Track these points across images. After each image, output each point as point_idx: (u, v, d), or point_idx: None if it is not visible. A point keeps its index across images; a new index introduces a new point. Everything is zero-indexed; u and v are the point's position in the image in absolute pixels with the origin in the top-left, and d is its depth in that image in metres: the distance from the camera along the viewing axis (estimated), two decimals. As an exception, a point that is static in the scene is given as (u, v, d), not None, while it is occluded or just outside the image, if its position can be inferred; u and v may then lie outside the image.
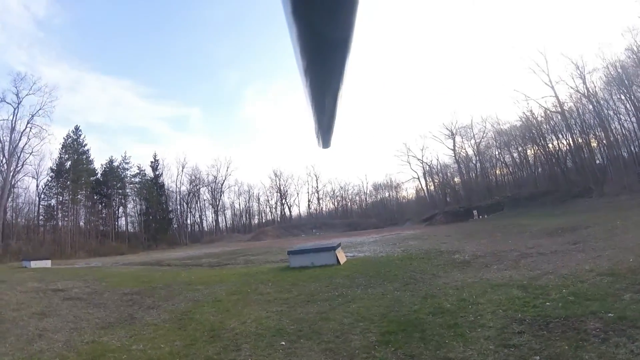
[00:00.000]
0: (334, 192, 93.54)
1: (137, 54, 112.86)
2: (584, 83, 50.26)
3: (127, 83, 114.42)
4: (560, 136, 56.26)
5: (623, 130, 49.57)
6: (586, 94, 50.22)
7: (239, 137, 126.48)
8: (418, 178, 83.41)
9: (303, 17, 0.81)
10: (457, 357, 5.27)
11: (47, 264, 29.60)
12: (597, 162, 52.06)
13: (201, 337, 7.48)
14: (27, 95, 54.37)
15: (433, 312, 7.55)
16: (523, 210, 41.27)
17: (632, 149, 48.98)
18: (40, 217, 60.56)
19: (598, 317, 5.85)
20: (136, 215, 74.14)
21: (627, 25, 43.33)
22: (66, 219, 61.12)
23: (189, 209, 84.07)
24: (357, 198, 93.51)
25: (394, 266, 14.39)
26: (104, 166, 71.23)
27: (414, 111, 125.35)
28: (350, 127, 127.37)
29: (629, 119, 48.28)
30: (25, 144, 53.72)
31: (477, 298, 8.18)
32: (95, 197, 66.78)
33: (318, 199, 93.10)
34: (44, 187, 60.47)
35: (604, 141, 50.20)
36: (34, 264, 28.26)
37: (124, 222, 73.86)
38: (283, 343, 6.66)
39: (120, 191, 72.37)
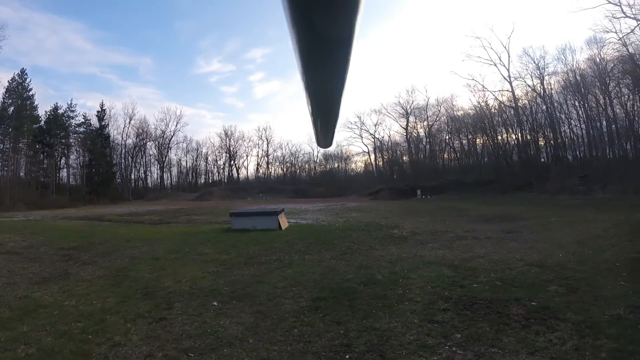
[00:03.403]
0: (284, 158, 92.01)
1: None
2: (542, 83, 52.12)
3: (79, 25, 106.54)
4: (510, 130, 58.21)
5: (572, 134, 51.65)
6: (542, 94, 51.99)
7: (192, 93, 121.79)
8: (368, 152, 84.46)
9: (303, 16, 0.80)
10: (382, 327, 5.43)
11: (-17, 216, 28.28)
12: (542, 160, 54.13)
13: (134, 294, 7.43)
14: (-30, 35, 49.55)
15: (365, 283, 7.75)
16: (465, 195, 42.47)
17: (577, 153, 51.30)
18: (-22, 167, 57.00)
19: (522, 304, 6.11)
20: (79, 167, 70.47)
21: (592, 35, 44.56)
22: (6, 168, 57.67)
23: (133, 164, 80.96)
24: (307, 166, 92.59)
25: (334, 235, 14.67)
26: (49, 113, 66.13)
27: (371, 84, 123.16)
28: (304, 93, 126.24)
29: (579, 125, 50.29)
30: (-34, 87, 49.65)
31: (408, 273, 8.42)
32: (37, 147, 62.93)
33: (267, 163, 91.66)
34: (-17, 134, 56.88)
35: (552, 142, 52.24)
36: (-31, 217, 26.89)
37: (66, 174, 70.77)
38: (215, 303, 6.70)
39: (64, 141, 67.94)
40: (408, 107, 73.80)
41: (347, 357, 4.60)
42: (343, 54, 1.00)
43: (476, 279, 7.73)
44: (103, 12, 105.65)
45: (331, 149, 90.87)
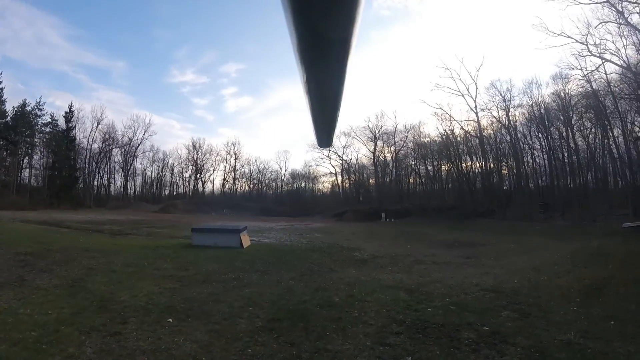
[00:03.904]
0: (251, 175, 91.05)
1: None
2: (507, 115, 53.83)
3: (56, 20, 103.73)
4: (474, 158, 59.67)
5: (534, 164, 53.64)
6: (507, 125, 53.69)
7: (163, 101, 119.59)
8: (335, 174, 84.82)
9: (303, 16, 0.85)
10: (334, 349, 5.54)
11: (-64, 212, 27.13)
12: (505, 187, 55.59)
13: (90, 306, 7.32)
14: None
15: (321, 305, 7.86)
16: (428, 220, 42.81)
17: (539, 182, 53.06)
18: (-63, 158, 54.68)
19: (473, 328, 6.31)
20: (41, 168, 68.24)
21: (558, 71, 46.17)
22: None
23: (97, 170, 78.03)
24: (274, 184, 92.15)
25: (295, 256, 14.81)
26: (16, 109, 63.61)
27: (343, 106, 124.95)
28: (276, 111, 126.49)
29: (541, 156, 52.23)
30: None
31: (365, 296, 8.58)
32: (1, 143, 61.46)
33: (234, 178, 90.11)
34: (-53, 123, 54.65)
35: (514, 170, 53.89)
36: None
37: (28, 175, 68.55)
38: (170, 320, 6.67)
39: (29, 140, 65.64)
40: (376, 132, 74.76)
41: (298, 377, 4.69)
42: (343, 54, 1.05)
43: (431, 303, 7.93)
44: (81, 10, 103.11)
45: (299, 168, 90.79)
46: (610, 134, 42.42)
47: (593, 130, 45.36)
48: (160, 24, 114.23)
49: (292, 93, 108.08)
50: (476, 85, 56.23)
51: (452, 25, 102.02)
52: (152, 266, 11.64)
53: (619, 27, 35.50)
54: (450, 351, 5.40)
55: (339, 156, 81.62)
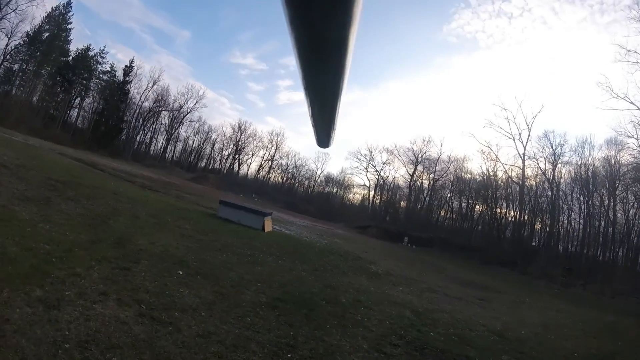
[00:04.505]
0: (287, 168, 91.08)
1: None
2: (553, 170, 52.68)
3: None
4: (510, 206, 58.36)
5: (569, 227, 51.85)
6: (550, 180, 52.36)
7: (218, 78, 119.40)
8: (369, 187, 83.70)
9: (302, 17, 0.86)
10: (331, 341, 5.53)
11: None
12: (533, 243, 54.12)
13: (107, 239, 7.51)
14: (31, -50, 49.58)
15: (327, 300, 7.86)
16: (450, 256, 42.11)
17: (569, 246, 51.33)
18: (-3, 77, 56.66)
19: (471, 362, 6.15)
20: (90, 112, 70.28)
21: (614, 136, 44.91)
22: (22, 89, 57.93)
23: (143, 127, 79.37)
24: (306, 182, 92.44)
25: (312, 252, 14.81)
26: (79, 51, 66.11)
27: (392, 121, 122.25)
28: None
29: (577, 220, 50.50)
30: (12, -1, 49.58)
31: (372, 305, 8.51)
32: (57, 79, 62.91)
33: (270, 168, 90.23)
34: (12, 49, 56.55)
35: (547, 228, 52.42)
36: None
37: (76, 114, 70.51)
38: (180, 272, 6.78)
39: (85, 82, 67.50)
40: (419, 156, 73.93)
41: (289, 355, 4.69)
42: (341, 55, 1.05)
43: (434, 329, 7.82)
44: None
45: (334, 173, 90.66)
46: (652, 213, 41.13)
47: (635, 205, 44.01)
48: (230, 4, 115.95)
49: (344, 99, 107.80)
50: (529, 132, 55.28)
51: (516, 66, 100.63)
52: (174, 223, 11.81)
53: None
54: (444, 376, 5.33)
55: (376, 170, 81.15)
